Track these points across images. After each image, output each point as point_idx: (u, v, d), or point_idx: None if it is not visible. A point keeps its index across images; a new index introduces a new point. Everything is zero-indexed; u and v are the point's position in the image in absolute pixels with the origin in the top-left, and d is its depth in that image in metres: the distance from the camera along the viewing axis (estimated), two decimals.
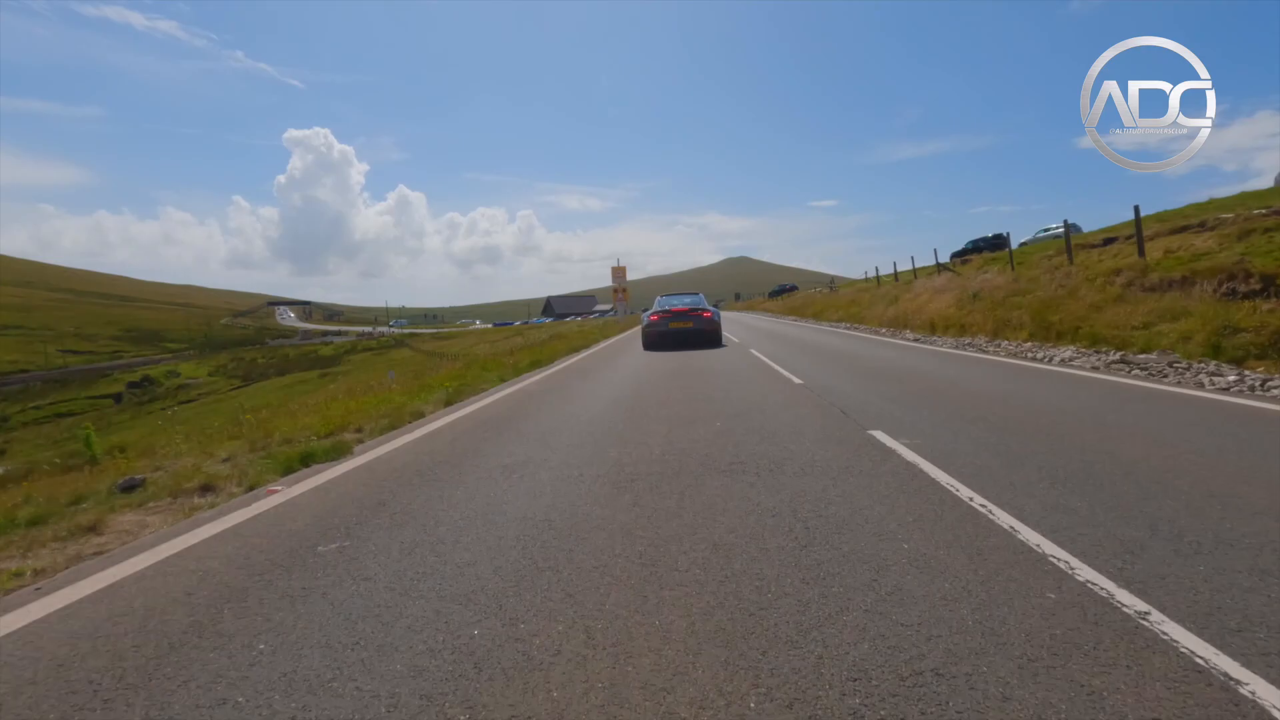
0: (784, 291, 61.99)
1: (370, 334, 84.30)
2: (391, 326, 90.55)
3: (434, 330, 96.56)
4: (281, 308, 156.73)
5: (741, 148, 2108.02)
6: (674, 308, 15.10)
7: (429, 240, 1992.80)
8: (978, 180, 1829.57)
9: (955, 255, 29.55)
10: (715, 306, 16.53)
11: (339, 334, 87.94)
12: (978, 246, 28.97)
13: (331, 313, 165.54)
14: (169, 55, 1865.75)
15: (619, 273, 28.92)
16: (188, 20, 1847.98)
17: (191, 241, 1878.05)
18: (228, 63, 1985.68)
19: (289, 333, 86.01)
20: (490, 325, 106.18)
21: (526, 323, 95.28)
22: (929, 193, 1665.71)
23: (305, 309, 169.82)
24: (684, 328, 14.36)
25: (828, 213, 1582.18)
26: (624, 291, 29.39)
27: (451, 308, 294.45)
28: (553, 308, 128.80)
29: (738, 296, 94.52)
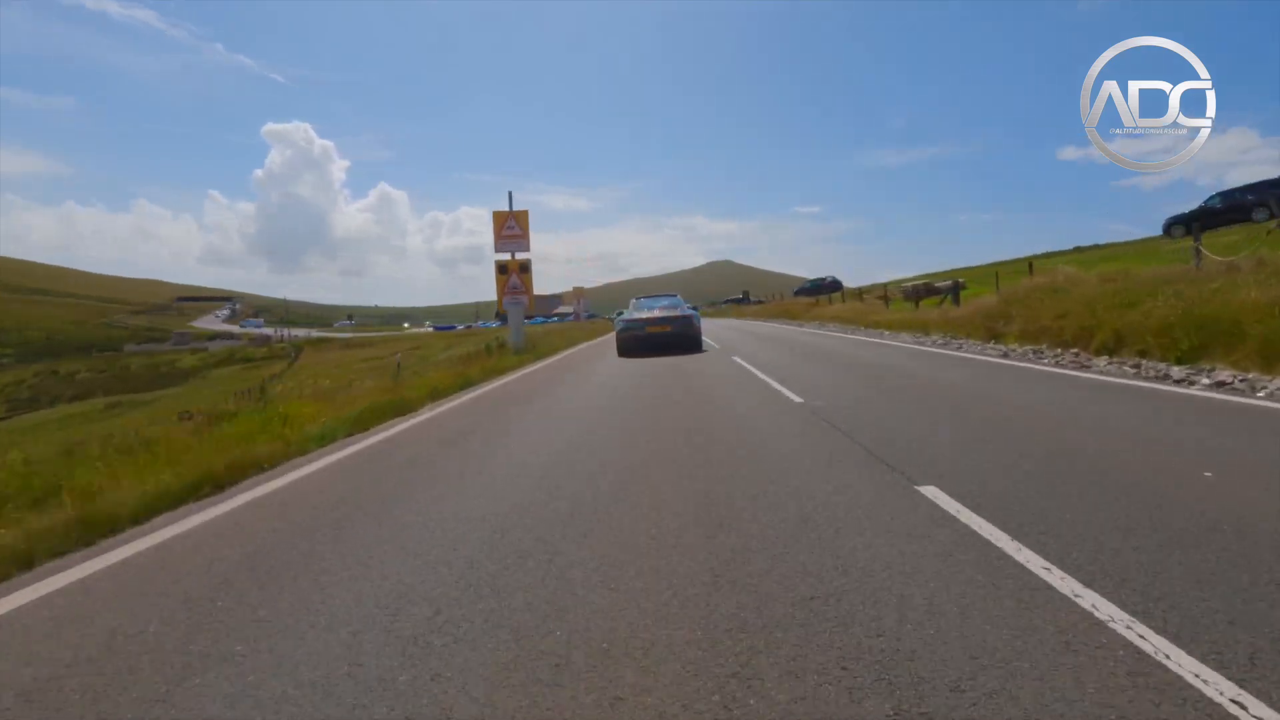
0: (821, 289, 41.09)
1: (268, 339, 67.91)
2: (244, 327, 74.10)
3: (350, 335, 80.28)
4: (232, 304, 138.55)
5: (728, 151, 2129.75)
6: (650, 311, 14.10)
7: (412, 239, 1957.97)
8: (959, 188, 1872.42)
9: (1178, 221, 15.60)
10: (694, 309, 15.09)
11: (231, 338, 71.11)
12: (1240, 203, 14.95)
13: (259, 311, 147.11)
14: (146, 46, 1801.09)
15: (512, 222, 11.93)
16: (166, 11, 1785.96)
17: (167, 236, 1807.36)
18: (207, 55, 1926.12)
19: (162, 336, 68.86)
20: (433, 329, 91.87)
21: (470, 327, 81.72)
22: (910, 201, 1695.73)
23: (232, 307, 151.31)
24: (661, 331, 13.43)
25: (811, 218, 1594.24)
26: (522, 273, 12.62)
27: (429, 308, 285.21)
28: None
29: (745, 295, 69.80)
